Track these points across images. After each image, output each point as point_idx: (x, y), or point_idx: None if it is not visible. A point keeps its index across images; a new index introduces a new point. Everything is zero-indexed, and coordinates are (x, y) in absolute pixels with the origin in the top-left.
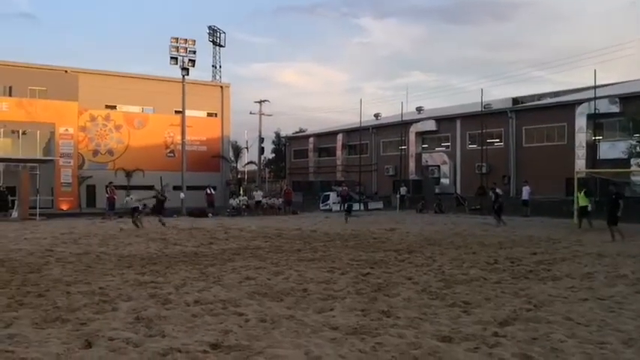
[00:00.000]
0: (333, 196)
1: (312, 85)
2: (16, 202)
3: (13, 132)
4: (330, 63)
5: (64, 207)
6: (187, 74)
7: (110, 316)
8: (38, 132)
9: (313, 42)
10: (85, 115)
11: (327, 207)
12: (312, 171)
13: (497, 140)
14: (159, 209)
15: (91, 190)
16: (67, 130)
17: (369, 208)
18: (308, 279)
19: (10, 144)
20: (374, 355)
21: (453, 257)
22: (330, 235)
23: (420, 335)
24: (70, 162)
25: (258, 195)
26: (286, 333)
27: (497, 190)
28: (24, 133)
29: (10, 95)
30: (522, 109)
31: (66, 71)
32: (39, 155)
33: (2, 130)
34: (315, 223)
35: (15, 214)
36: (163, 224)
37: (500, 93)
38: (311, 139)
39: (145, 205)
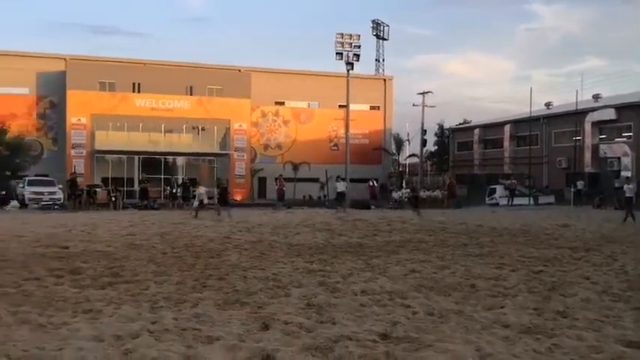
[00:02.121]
0: (499, 189)
1: (477, 75)
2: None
3: (193, 128)
4: (495, 51)
5: (238, 198)
6: (352, 69)
7: (284, 301)
8: (215, 128)
9: (478, 30)
10: (256, 111)
11: (494, 201)
12: (477, 164)
13: None
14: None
15: (262, 182)
16: (240, 125)
17: (540, 202)
18: (475, 274)
19: (191, 139)
20: (550, 356)
21: (638, 257)
22: (498, 229)
23: (601, 339)
24: (243, 155)
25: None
26: (455, 328)
27: None
28: (203, 129)
29: (190, 94)
30: None
31: (239, 70)
32: (216, 149)
33: (184, 126)
34: (481, 218)
35: (195, 204)
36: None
37: None
38: (476, 131)
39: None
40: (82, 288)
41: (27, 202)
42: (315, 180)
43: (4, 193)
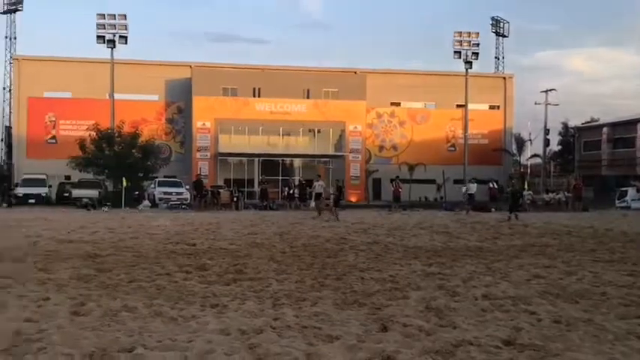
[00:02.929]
0: (631, 191)
1: (602, 71)
2: (313, 193)
3: (309, 131)
4: (622, 46)
5: (353, 199)
6: (471, 67)
7: (402, 304)
8: (331, 130)
9: (603, 25)
10: (371, 112)
11: (624, 204)
12: (605, 164)
13: None
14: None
15: (377, 183)
16: (355, 127)
17: None
18: (605, 281)
19: (307, 142)
20: None
21: None
22: (629, 234)
23: None
24: (358, 157)
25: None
26: (584, 337)
27: None
28: (318, 131)
29: (307, 97)
30: None
31: (355, 72)
32: (331, 151)
33: (301, 129)
34: (610, 222)
35: (312, 204)
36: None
37: None
38: (604, 129)
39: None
40: (209, 283)
41: (157, 201)
42: (431, 181)
43: (136, 193)
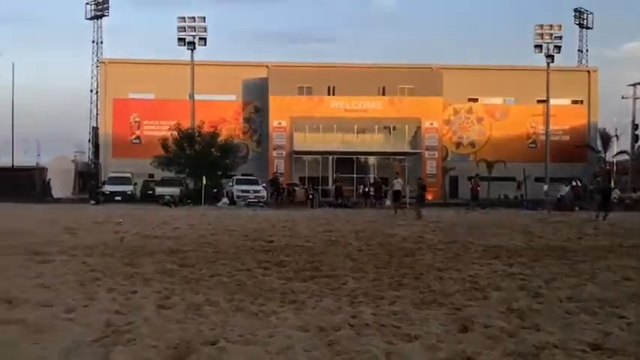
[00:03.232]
0: None
1: None
2: (388, 192)
3: (384, 128)
4: None
5: (429, 197)
6: (552, 61)
7: (482, 304)
8: (406, 127)
9: None
10: (448, 109)
11: None
12: None
13: None
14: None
15: (454, 181)
16: (432, 124)
17: None
18: None
19: (382, 139)
20: None
21: None
22: None
23: None
24: (434, 154)
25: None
26: None
27: None
28: (394, 128)
29: (383, 94)
30: None
31: (431, 68)
32: (407, 149)
33: (376, 126)
34: None
35: (388, 202)
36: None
37: None
38: None
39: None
40: (287, 280)
41: (235, 199)
42: (511, 179)
43: (215, 190)
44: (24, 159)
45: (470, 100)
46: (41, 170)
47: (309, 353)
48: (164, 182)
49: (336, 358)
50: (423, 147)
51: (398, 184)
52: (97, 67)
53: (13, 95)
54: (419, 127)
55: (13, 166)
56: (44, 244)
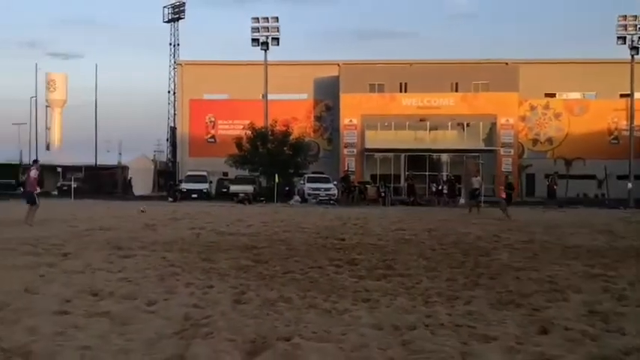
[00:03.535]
0: None
1: None
2: (462, 189)
3: (458, 125)
4: None
5: (505, 195)
6: (637, 53)
7: (562, 306)
8: (481, 124)
9: None
10: (524, 105)
11: None
12: None
13: None
14: None
15: (531, 179)
16: (507, 120)
17: None
18: None
19: (456, 136)
20: None
21: None
22: None
23: None
24: (510, 151)
25: None
26: None
27: None
28: (467, 125)
29: (456, 91)
30: None
31: (506, 63)
32: (481, 146)
33: (449, 123)
34: None
35: (462, 200)
36: None
37: None
38: None
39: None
40: (360, 278)
41: (307, 197)
42: (591, 177)
43: (287, 188)
44: (106, 158)
45: (547, 95)
46: (123, 169)
47: (384, 352)
48: (238, 180)
49: (410, 357)
50: (498, 144)
51: (477, 182)
52: (174, 68)
53: (96, 97)
54: (494, 124)
55: (96, 165)
56: (126, 239)
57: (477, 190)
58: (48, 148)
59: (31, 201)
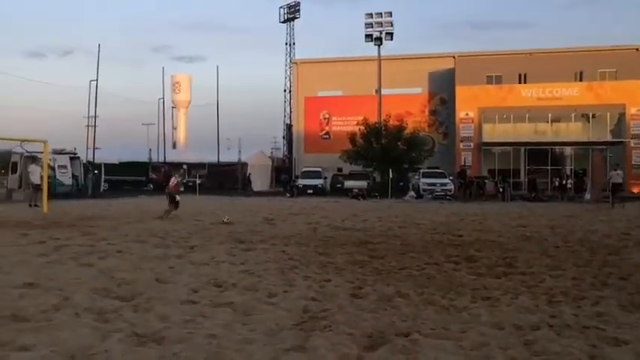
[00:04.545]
0: None
1: None
2: (588, 184)
3: (582, 116)
4: None
5: (636, 190)
6: None
7: None
8: (608, 114)
9: None
10: None
11: None
12: None
13: None
14: None
15: None
16: (638, 110)
17: None
18: None
19: (580, 128)
20: None
21: None
22: None
23: None
24: None
25: None
26: None
27: None
28: (593, 116)
29: (580, 80)
30: None
31: (637, 49)
32: (608, 137)
33: (573, 114)
34: None
35: (588, 196)
36: None
37: None
38: None
39: None
40: (478, 275)
41: (422, 192)
42: None
43: (402, 184)
44: (227, 156)
45: None
46: (242, 165)
47: (505, 351)
48: (352, 176)
49: (534, 358)
50: (628, 135)
51: (618, 176)
52: (290, 67)
53: (217, 97)
54: (622, 114)
55: (218, 162)
56: (247, 233)
57: (620, 184)
58: (174, 146)
59: (171, 200)
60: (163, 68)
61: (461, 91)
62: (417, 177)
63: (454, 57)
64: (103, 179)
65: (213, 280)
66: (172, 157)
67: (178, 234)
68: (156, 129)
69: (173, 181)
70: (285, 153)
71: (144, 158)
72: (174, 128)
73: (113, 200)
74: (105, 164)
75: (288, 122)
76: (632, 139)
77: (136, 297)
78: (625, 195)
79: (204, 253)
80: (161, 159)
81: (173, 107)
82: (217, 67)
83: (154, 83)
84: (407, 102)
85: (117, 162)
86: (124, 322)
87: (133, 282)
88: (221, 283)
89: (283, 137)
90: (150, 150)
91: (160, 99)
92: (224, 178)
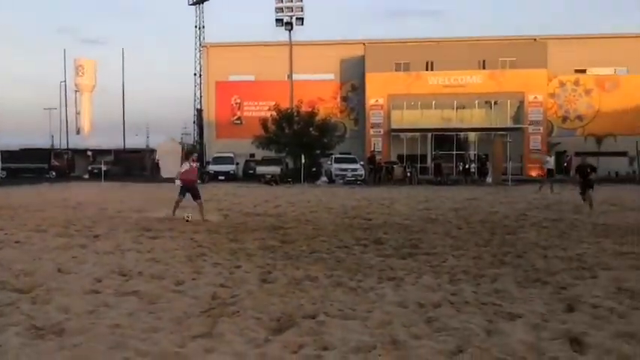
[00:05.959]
0: None
1: None
2: (489, 168)
3: (485, 103)
4: None
5: (533, 173)
6: None
7: (590, 283)
8: (508, 101)
9: None
10: (553, 81)
11: None
12: None
13: None
14: None
15: (561, 157)
16: (536, 97)
17: None
18: None
19: (483, 114)
20: None
21: None
22: None
23: None
24: (539, 129)
25: None
26: None
27: None
28: (495, 103)
29: (483, 68)
30: None
31: (535, 39)
32: (509, 124)
33: (477, 101)
34: None
35: (489, 179)
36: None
37: None
38: None
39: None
40: (385, 257)
41: (333, 177)
42: (622, 154)
43: (314, 169)
44: (135, 142)
45: (577, 71)
46: (151, 152)
47: (408, 329)
48: (265, 161)
49: (435, 334)
50: (526, 122)
51: (551, 161)
52: (200, 51)
53: (123, 81)
54: (522, 102)
55: (125, 148)
56: (154, 220)
57: (553, 170)
58: (78, 132)
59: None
60: (65, 50)
61: (370, 78)
62: (329, 162)
63: (364, 44)
64: (0, 166)
65: (118, 269)
66: (76, 143)
67: (82, 223)
68: (58, 114)
69: (184, 166)
70: (196, 138)
71: (47, 145)
72: (77, 113)
73: (11, 188)
74: (2, 151)
75: (199, 107)
76: (530, 125)
77: (35, 288)
78: (524, 178)
79: (109, 241)
80: (64, 145)
81: (76, 91)
82: (122, 50)
83: (58, 67)
84: (319, 88)
85: (17, 149)
86: (21, 315)
87: (33, 273)
88: (126, 271)
89: (194, 122)
90: (52, 136)
91: (62, 82)
92: (131, 164)
